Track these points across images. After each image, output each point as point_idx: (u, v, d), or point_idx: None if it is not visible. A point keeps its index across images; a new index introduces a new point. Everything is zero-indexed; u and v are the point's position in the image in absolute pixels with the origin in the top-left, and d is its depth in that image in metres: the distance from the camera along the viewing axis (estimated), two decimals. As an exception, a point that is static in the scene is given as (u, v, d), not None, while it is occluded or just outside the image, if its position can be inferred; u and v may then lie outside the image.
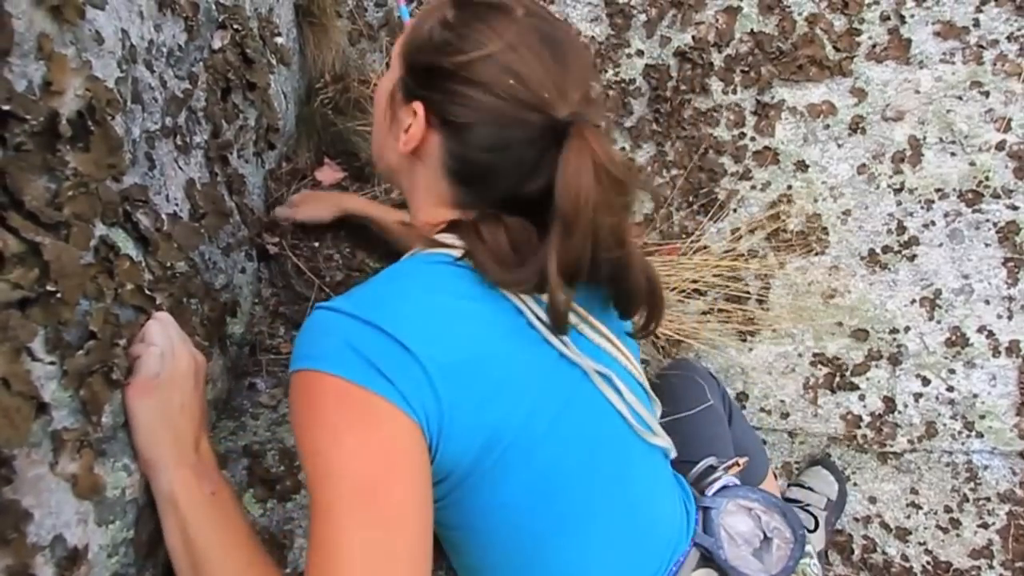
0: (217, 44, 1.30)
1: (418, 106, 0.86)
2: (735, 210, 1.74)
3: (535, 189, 0.84)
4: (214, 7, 1.30)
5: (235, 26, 1.35)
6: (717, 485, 1.05)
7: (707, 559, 0.96)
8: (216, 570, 0.78)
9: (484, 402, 0.76)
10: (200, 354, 0.92)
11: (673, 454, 1.01)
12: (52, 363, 0.70)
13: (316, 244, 1.40)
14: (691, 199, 1.74)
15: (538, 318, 0.83)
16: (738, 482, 1.07)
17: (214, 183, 1.27)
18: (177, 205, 1.12)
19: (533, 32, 0.82)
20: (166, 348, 0.85)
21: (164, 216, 1.04)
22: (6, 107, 0.64)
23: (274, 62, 1.59)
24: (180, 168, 1.15)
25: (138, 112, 1.01)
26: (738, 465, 1.10)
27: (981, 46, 1.64)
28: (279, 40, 1.64)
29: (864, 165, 1.71)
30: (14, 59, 0.71)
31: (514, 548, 0.84)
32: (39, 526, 0.68)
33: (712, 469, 1.09)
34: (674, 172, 1.73)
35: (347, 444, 0.70)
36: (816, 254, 1.73)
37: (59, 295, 0.69)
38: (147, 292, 0.90)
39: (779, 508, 1.02)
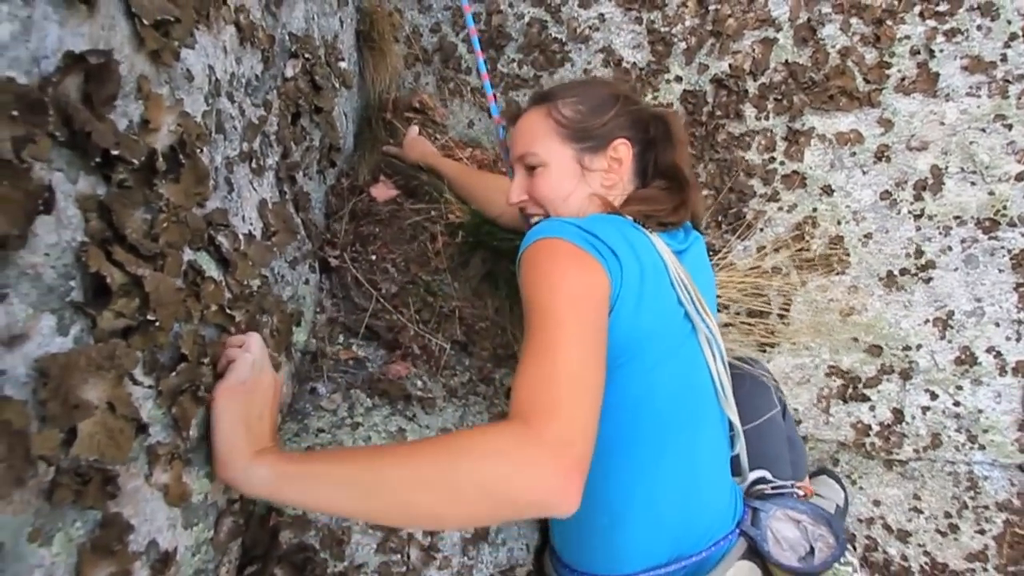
0: (290, 72, 1.28)
1: (620, 143, 1.11)
2: (762, 229, 1.69)
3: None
4: (287, 38, 1.29)
5: (306, 55, 1.33)
6: (768, 492, 1.06)
7: (752, 552, 0.97)
8: (377, 490, 0.71)
9: (641, 301, 0.94)
10: (277, 375, 0.91)
11: (739, 437, 1.13)
12: (150, 386, 0.70)
13: (373, 257, 1.38)
14: (720, 218, 1.70)
15: (679, 275, 1.02)
16: (788, 495, 1.07)
17: (284, 202, 1.26)
18: (251, 225, 1.11)
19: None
20: (258, 360, 0.85)
21: (241, 236, 1.03)
22: (115, 152, 0.62)
23: (337, 85, 1.57)
24: (254, 189, 1.14)
25: (220, 141, 0.99)
26: (799, 493, 1.09)
27: (1007, 80, 1.57)
28: (342, 65, 1.62)
29: (887, 191, 1.65)
30: (117, 100, 0.70)
31: (636, 438, 0.99)
32: (137, 534, 0.68)
33: (763, 480, 1.09)
34: (706, 192, 1.69)
35: (563, 286, 0.85)
36: (837, 274, 1.68)
37: (157, 323, 0.68)
38: (228, 312, 0.89)
39: (825, 518, 1.01)
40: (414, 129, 1.75)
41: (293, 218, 1.26)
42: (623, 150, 1.12)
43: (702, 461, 1.03)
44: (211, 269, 0.90)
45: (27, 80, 0.55)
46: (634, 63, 1.67)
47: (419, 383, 1.24)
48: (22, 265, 0.53)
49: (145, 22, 0.71)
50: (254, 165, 1.14)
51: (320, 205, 1.53)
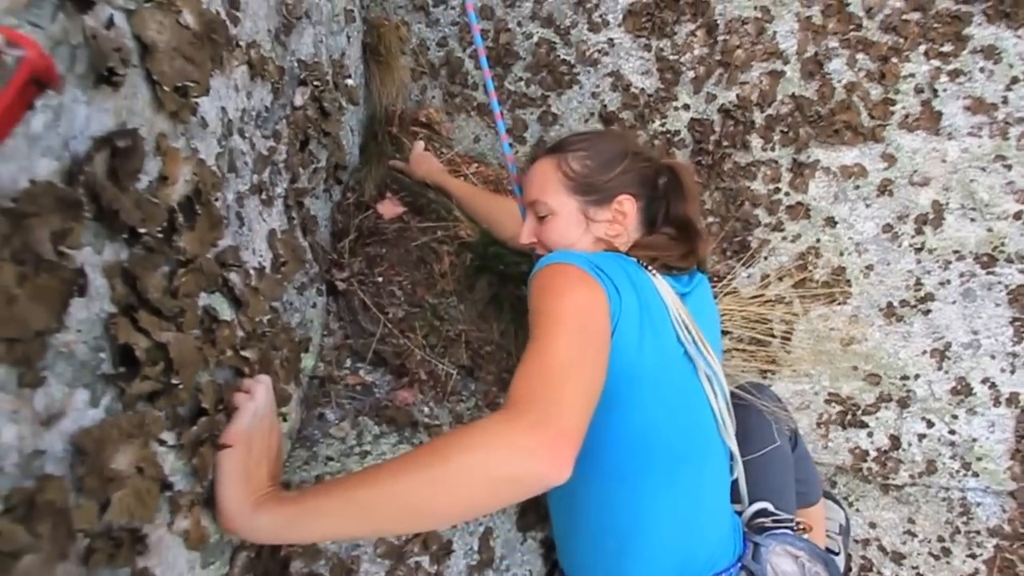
0: (299, 101, 1.30)
1: (624, 199, 1.16)
2: (766, 258, 1.72)
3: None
4: (296, 65, 1.30)
5: (314, 82, 1.35)
6: (768, 525, 1.11)
7: None
8: (377, 504, 0.75)
9: (642, 335, 0.99)
10: (278, 424, 0.94)
11: (738, 463, 1.18)
12: (172, 444, 0.73)
13: (380, 280, 1.41)
14: (725, 245, 1.73)
15: (679, 316, 1.06)
16: (787, 531, 1.11)
17: (292, 228, 1.28)
18: (261, 256, 1.13)
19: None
20: (260, 407, 0.88)
21: (252, 272, 1.06)
22: (141, 229, 0.65)
23: (344, 103, 1.59)
24: (264, 220, 1.16)
25: (232, 179, 1.01)
26: (801, 528, 1.14)
27: (1008, 123, 1.60)
28: (349, 82, 1.63)
29: (889, 225, 1.68)
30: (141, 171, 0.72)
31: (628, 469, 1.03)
32: (161, 581, 0.72)
33: (764, 512, 1.13)
34: (711, 220, 1.72)
35: (569, 296, 0.91)
36: (838, 303, 1.71)
37: (180, 385, 0.71)
38: (242, 354, 0.92)
39: (822, 559, 1.06)
40: (420, 144, 1.77)
41: (302, 245, 1.29)
42: (627, 205, 1.16)
43: (706, 492, 1.07)
44: (224, 311, 0.93)
45: (59, 164, 0.58)
46: (642, 89, 1.69)
47: (426, 409, 1.27)
48: (57, 345, 0.56)
49: (166, 88, 0.73)
50: (264, 196, 1.16)
51: (326, 223, 1.55)
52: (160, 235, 0.74)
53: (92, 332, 0.61)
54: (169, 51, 0.73)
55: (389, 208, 1.65)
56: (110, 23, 0.62)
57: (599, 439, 0.94)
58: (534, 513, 1.32)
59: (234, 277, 0.98)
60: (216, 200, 0.90)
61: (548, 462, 0.72)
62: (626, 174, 1.17)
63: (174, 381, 0.70)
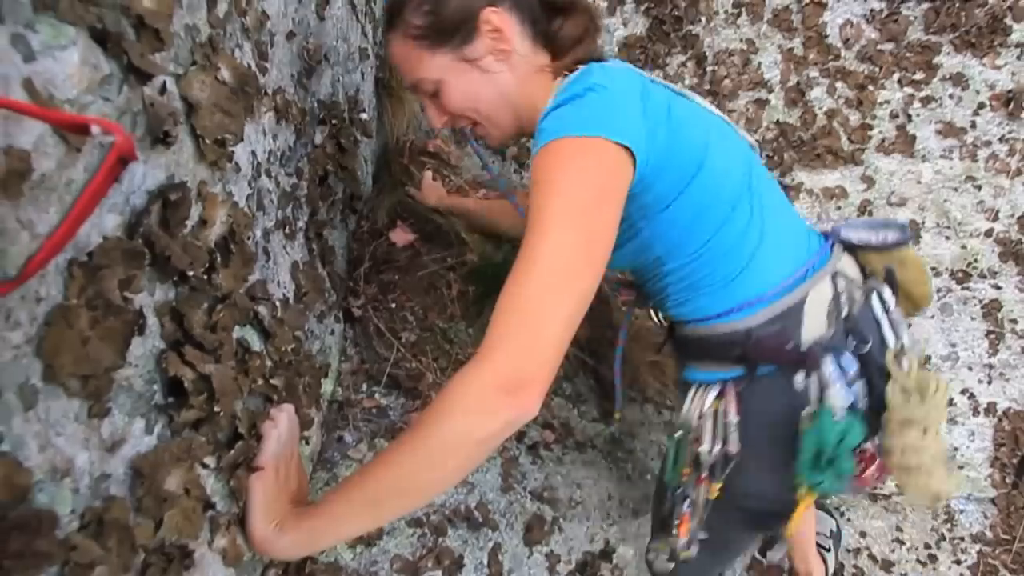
0: (319, 139, 1.36)
1: (485, 14, 0.99)
2: (752, 278, 1.78)
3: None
4: (316, 106, 1.36)
5: (333, 120, 1.41)
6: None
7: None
8: (383, 495, 0.79)
9: (671, 131, 0.92)
10: (298, 450, 0.97)
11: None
12: (213, 467, 0.77)
13: (393, 306, 1.46)
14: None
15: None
16: None
17: (312, 260, 1.33)
18: (285, 288, 1.18)
19: None
20: (284, 435, 0.92)
21: (278, 304, 1.10)
22: (190, 272, 0.70)
23: (359, 136, 1.65)
24: (287, 253, 1.21)
25: (260, 217, 1.07)
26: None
27: (976, 145, 1.66)
28: (363, 116, 1.69)
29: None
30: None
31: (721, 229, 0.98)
32: (202, 597, 0.76)
33: None
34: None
35: (563, 184, 0.82)
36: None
37: (221, 412, 0.76)
38: (271, 382, 0.97)
39: (883, 223, 1.11)
40: (428, 174, 1.83)
41: (321, 276, 1.34)
42: (495, 19, 0.99)
43: (777, 200, 1.07)
44: (255, 342, 0.98)
45: (121, 218, 0.63)
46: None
47: (436, 430, 1.31)
48: (119, 380, 0.61)
49: (208, 141, 0.79)
50: (287, 231, 1.21)
51: (343, 252, 1.60)
52: (203, 275, 0.79)
53: (147, 367, 0.66)
54: (210, 107, 0.78)
55: (401, 236, 1.71)
56: (163, 89, 0.67)
57: (674, 226, 0.96)
58: (540, 529, 1.36)
59: (263, 310, 1.02)
60: (248, 239, 0.95)
61: (520, 410, 0.75)
62: None
63: (216, 409, 0.74)
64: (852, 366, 0.94)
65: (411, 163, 1.85)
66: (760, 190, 1.03)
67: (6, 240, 0.47)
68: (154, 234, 0.66)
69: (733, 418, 1.00)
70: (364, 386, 1.34)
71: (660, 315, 1.21)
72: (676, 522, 1.08)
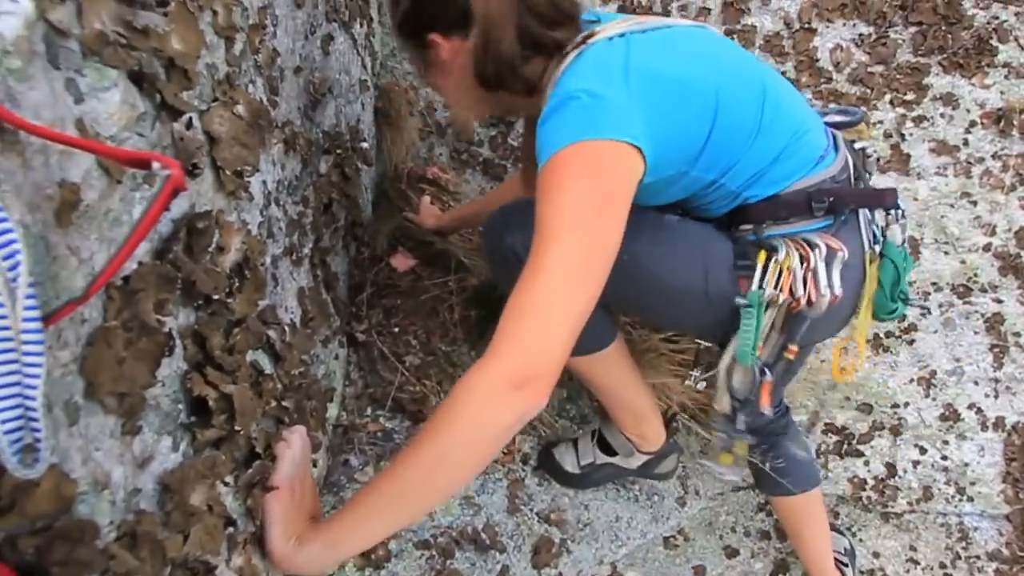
0: (323, 168, 1.43)
1: (432, 39, 1.05)
2: (754, 297, 1.84)
3: None
4: (321, 136, 1.44)
5: (337, 150, 1.48)
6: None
7: None
8: (401, 500, 0.84)
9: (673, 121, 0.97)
10: (311, 469, 1.01)
11: None
12: (232, 486, 0.82)
13: (396, 330, 1.52)
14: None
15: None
16: None
17: (317, 286, 1.39)
18: (292, 313, 1.24)
19: None
20: (297, 454, 0.96)
21: (287, 328, 1.16)
22: (215, 296, 0.76)
23: (360, 164, 1.72)
24: (294, 279, 1.27)
25: (270, 244, 1.13)
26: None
27: (970, 162, 1.74)
28: (364, 145, 1.76)
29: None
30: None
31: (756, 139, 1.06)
32: (217, 614, 0.80)
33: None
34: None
35: (568, 192, 0.87)
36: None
37: (240, 431, 0.81)
38: (283, 404, 1.02)
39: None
40: (426, 199, 1.89)
41: (326, 301, 1.40)
42: (438, 47, 1.05)
43: (793, 102, 1.14)
44: (267, 365, 1.03)
45: (150, 245, 0.69)
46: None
47: (442, 453, 1.36)
48: (149, 398, 0.66)
49: (227, 172, 0.85)
50: (294, 257, 1.27)
51: (344, 278, 1.66)
52: (224, 299, 0.85)
53: (173, 386, 0.71)
54: (229, 140, 0.85)
55: (401, 261, 1.77)
56: (189, 124, 0.73)
57: (718, 156, 1.04)
58: (547, 551, 1.39)
59: (273, 333, 1.08)
60: (261, 265, 1.01)
61: (530, 403, 0.80)
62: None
63: (236, 428, 0.79)
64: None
65: (409, 189, 1.92)
66: (776, 88, 1.12)
67: (58, 265, 0.52)
68: (180, 260, 0.72)
69: (822, 266, 1.06)
70: (368, 410, 1.39)
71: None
72: (754, 397, 1.15)
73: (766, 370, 1.14)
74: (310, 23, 1.32)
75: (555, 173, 0.89)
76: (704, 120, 1.02)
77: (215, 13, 0.82)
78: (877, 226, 1.14)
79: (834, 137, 1.20)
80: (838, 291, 1.05)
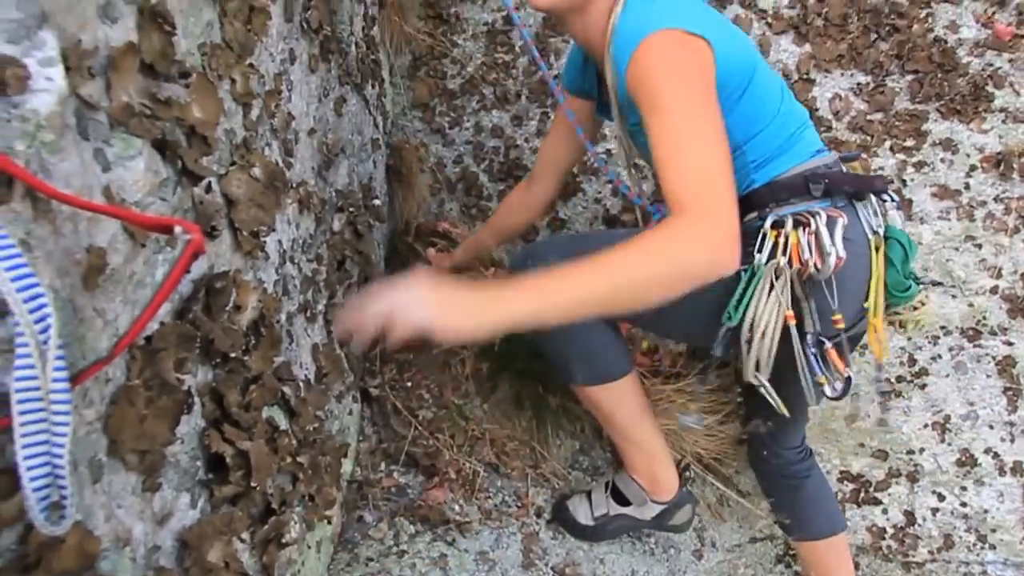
0: (337, 226, 1.45)
1: None
2: (763, 344, 1.83)
3: None
4: (334, 195, 1.47)
5: (350, 208, 1.51)
6: None
7: None
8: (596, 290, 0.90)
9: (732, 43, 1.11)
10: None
11: None
12: (248, 542, 0.81)
13: (409, 384, 1.52)
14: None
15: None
16: None
17: (331, 341, 1.40)
18: (307, 370, 1.24)
19: None
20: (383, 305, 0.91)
21: (301, 384, 1.16)
22: (232, 354, 0.77)
23: (373, 221, 1.75)
24: (308, 335, 1.28)
25: (285, 301, 1.15)
26: None
27: (972, 206, 1.75)
28: (376, 202, 1.79)
29: (876, 305, 1.80)
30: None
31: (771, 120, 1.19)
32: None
33: None
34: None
35: (690, 65, 1.01)
36: (838, 380, 1.80)
37: (256, 487, 0.81)
38: (298, 460, 1.02)
39: None
40: (431, 251, 1.90)
41: (340, 356, 1.41)
42: None
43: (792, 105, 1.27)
44: (282, 421, 1.03)
45: (171, 305, 0.70)
46: (639, 193, 1.86)
47: (456, 507, 1.34)
48: (168, 456, 0.67)
49: (244, 232, 0.87)
50: (308, 314, 1.28)
51: (357, 333, 1.67)
52: (240, 357, 0.85)
53: (191, 443, 0.72)
54: (247, 202, 0.87)
55: (413, 314, 1.77)
56: (209, 188, 0.76)
57: (746, 113, 1.15)
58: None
59: (288, 390, 1.08)
60: (276, 323, 1.02)
61: (729, 256, 0.89)
62: None
63: (252, 484, 0.79)
64: None
65: (419, 243, 1.94)
66: (786, 86, 1.28)
67: (85, 327, 0.54)
68: (199, 319, 0.73)
69: (824, 229, 1.12)
70: (382, 465, 1.38)
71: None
72: (817, 375, 1.18)
73: (823, 339, 1.17)
74: (324, 86, 1.37)
75: (658, 51, 1.01)
76: (746, 69, 1.14)
77: (233, 81, 0.85)
78: (876, 216, 1.21)
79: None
80: (841, 252, 1.10)
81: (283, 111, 1.11)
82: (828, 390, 1.20)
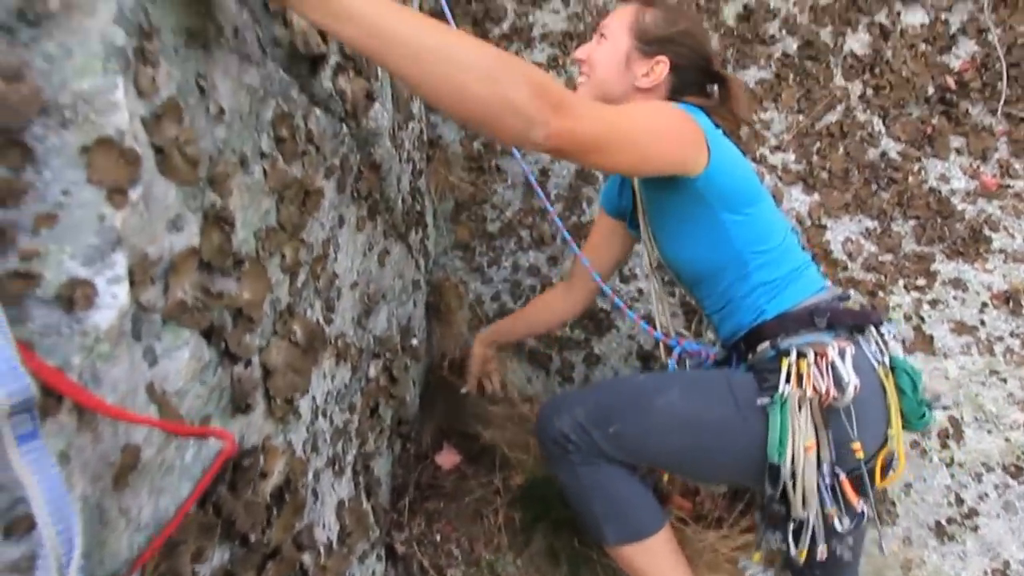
0: (372, 373, 1.39)
1: (662, 59, 1.28)
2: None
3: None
4: (372, 341, 1.41)
5: (386, 353, 1.47)
6: None
7: None
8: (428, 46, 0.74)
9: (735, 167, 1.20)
10: None
11: None
12: None
13: (438, 538, 1.41)
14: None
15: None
16: None
17: (358, 495, 1.31)
18: (330, 531, 1.12)
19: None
20: None
21: (322, 549, 1.06)
22: (252, 536, 0.71)
23: (409, 363, 1.69)
24: (334, 491, 1.18)
25: (313, 458, 1.07)
26: None
27: (991, 340, 1.69)
28: (414, 342, 1.73)
29: (915, 441, 1.68)
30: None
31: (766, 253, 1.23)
32: None
33: None
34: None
35: (673, 116, 1.11)
36: (888, 525, 1.66)
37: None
38: (320, 635, 0.91)
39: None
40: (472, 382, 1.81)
41: (366, 511, 1.31)
42: (661, 67, 1.28)
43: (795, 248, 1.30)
44: (300, 590, 0.93)
45: (191, 484, 0.65)
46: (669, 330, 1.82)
47: None
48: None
49: (278, 400, 0.84)
50: (336, 468, 1.19)
51: (388, 479, 1.56)
52: (261, 533, 0.79)
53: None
54: (284, 369, 0.85)
55: (447, 458, 1.69)
56: (248, 364, 0.74)
57: (753, 225, 1.21)
58: None
59: (307, 558, 0.98)
60: (302, 486, 0.95)
61: (541, 132, 0.80)
62: (679, 47, 1.28)
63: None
64: None
65: (451, 376, 1.87)
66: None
67: (108, 530, 0.49)
68: (223, 498, 0.68)
69: (838, 359, 1.11)
70: (410, 630, 1.25)
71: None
72: (827, 506, 1.12)
73: (838, 470, 1.12)
74: (369, 242, 1.34)
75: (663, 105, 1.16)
76: (752, 188, 1.22)
77: (283, 257, 0.85)
78: (878, 347, 1.20)
79: None
80: (856, 380, 1.08)
81: (328, 271, 1.08)
82: (837, 524, 1.12)
